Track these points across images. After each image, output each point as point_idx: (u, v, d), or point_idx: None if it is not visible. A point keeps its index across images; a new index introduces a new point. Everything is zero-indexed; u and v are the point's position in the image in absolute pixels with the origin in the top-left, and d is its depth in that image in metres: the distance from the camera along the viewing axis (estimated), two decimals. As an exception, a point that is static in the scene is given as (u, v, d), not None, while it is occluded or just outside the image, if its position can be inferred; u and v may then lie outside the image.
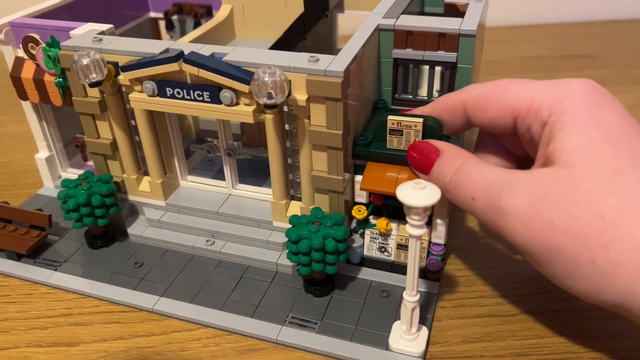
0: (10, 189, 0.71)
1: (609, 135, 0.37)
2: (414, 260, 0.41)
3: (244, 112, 0.47)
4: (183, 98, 0.49)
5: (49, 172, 0.67)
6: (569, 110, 0.39)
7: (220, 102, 0.48)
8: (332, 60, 0.46)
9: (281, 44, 0.63)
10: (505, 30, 1.17)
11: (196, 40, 0.65)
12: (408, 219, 0.40)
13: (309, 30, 0.64)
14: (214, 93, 0.48)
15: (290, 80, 0.45)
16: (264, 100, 0.44)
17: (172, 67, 0.47)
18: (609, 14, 1.20)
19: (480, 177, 0.40)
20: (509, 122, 0.43)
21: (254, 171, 0.61)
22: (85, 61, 0.48)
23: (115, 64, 0.51)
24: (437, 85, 0.56)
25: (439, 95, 0.56)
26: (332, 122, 0.47)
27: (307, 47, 0.65)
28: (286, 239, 0.53)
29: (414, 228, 0.40)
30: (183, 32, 0.79)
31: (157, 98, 0.50)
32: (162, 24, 0.82)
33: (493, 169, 0.41)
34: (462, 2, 0.62)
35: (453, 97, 0.47)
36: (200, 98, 0.48)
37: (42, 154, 0.67)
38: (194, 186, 0.60)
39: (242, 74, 0.46)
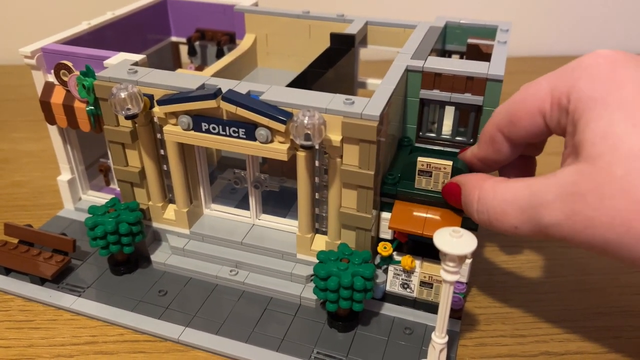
0: (29, 209, 0.71)
1: (628, 111, 0.34)
2: (445, 305, 0.42)
3: (278, 150, 0.48)
4: (218, 133, 0.50)
5: (70, 195, 0.68)
6: (583, 95, 0.37)
7: (255, 139, 0.49)
8: (367, 104, 0.47)
9: (305, 76, 0.65)
10: (510, 61, 1.19)
11: (221, 71, 0.66)
12: (443, 265, 0.41)
13: (334, 65, 0.65)
14: (249, 130, 0.49)
15: (325, 122, 0.46)
16: (301, 142, 0.45)
17: (210, 103, 0.48)
18: (625, 46, 1.23)
19: (509, 205, 0.40)
20: (541, 125, 0.41)
21: (277, 200, 0.62)
22: (123, 94, 0.49)
23: (151, 97, 0.52)
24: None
25: (464, 136, 0.57)
26: (365, 162, 0.48)
27: (329, 80, 0.66)
28: (310, 272, 0.55)
29: (448, 274, 0.41)
30: (204, 58, 0.80)
31: (192, 132, 0.51)
32: (183, 49, 0.83)
33: (514, 189, 0.40)
34: (485, 43, 0.63)
35: (487, 127, 0.46)
36: (236, 134, 0.49)
37: (64, 176, 0.67)
38: (218, 215, 0.61)
39: (279, 114, 0.47)
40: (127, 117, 0.50)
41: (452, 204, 0.48)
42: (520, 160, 0.48)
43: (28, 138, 0.88)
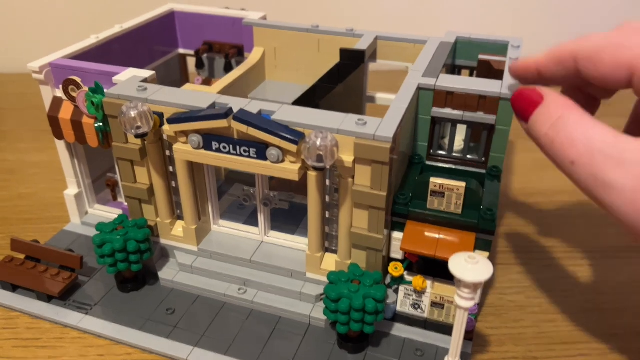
0: (35, 223, 0.71)
1: None
2: (459, 330, 0.42)
3: (289, 170, 0.48)
4: (229, 152, 0.49)
5: (76, 209, 0.67)
6: None
7: (266, 159, 0.48)
8: (380, 124, 0.46)
9: (314, 91, 0.64)
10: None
11: (230, 85, 0.66)
12: (458, 291, 0.40)
13: (343, 80, 0.65)
14: (260, 150, 0.48)
15: (338, 144, 0.46)
16: (313, 164, 0.45)
17: (221, 123, 0.48)
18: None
19: (583, 138, 0.36)
20: (623, 79, 0.38)
21: (286, 216, 0.62)
22: (133, 113, 0.48)
23: (161, 115, 0.51)
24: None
25: (476, 154, 0.56)
26: (377, 183, 0.47)
27: (338, 94, 0.66)
28: (319, 292, 0.54)
29: (463, 300, 0.40)
30: (212, 71, 0.80)
31: (202, 151, 0.50)
32: (190, 61, 0.83)
33: (600, 129, 0.36)
34: (496, 60, 0.63)
35: (567, 46, 0.42)
36: (247, 154, 0.49)
37: (71, 190, 0.67)
38: (226, 231, 0.61)
39: (291, 134, 0.46)
40: (137, 136, 0.49)
41: (516, 109, 0.42)
42: (583, 98, 0.45)
43: (34, 148, 0.88)
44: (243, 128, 0.47)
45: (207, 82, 0.80)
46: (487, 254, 0.50)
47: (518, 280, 0.61)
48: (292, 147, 0.46)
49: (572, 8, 1.18)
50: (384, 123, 0.47)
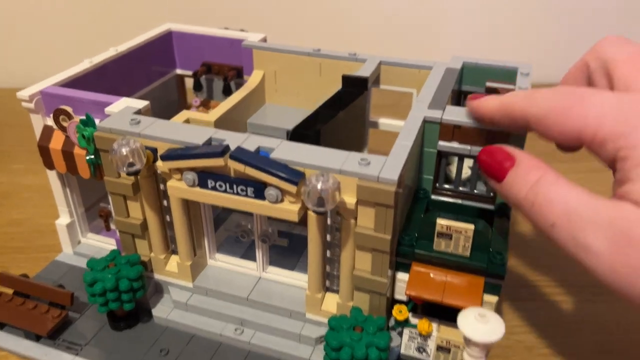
0: (27, 252, 0.68)
1: None
2: (468, 388, 0.39)
3: (288, 211, 0.46)
4: (225, 191, 0.47)
5: (68, 238, 0.65)
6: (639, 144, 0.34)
7: (264, 199, 0.46)
8: (384, 165, 0.44)
9: (315, 117, 0.62)
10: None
11: (229, 111, 0.63)
12: (467, 349, 0.38)
13: (345, 107, 0.62)
14: (258, 189, 0.46)
15: (340, 186, 0.43)
16: (313, 208, 0.42)
17: (217, 161, 0.45)
18: None
19: (561, 200, 0.36)
20: (575, 144, 0.38)
21: (285, 248, 0.59)
22: (125, 151, 0.46)
23: (154, 150, 0.49)
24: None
25: (484, 190, 0.54)
26: (381, 226, 0.45)
27: (340, 120, 0.64)
28: (320, 334, 0.52)
29: (472, 359, 0.38)
30: (210, 93, 0.78)
31: (197, 189, 0.48)
32: (188, 81, 0.81)
33: (575, 191, 0.36)
34: (504, 87, 0.60)
35: (517, 104, 0.41)
36: (244, 193, 0.46)
37: (63, 220, 0.65)
38: (223, 266, 0.58)
39: (290, 175, 0.44)
40: (129, 174, 0.47)
41: (485, 170, 0.42)
42: None
43: (28, 170, 0.86)
44: (240, 167, 0.45)
45: (206, 103, 0.78)
46: (496, 298, 0.48)
47: (526, 318, 0.59)
48: (292, 188, 0.44)
49: (581, 31, 1.15)
50: (388, 163, 0.44)
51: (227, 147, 0.45)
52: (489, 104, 0.45)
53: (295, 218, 0.46)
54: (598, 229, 0.34)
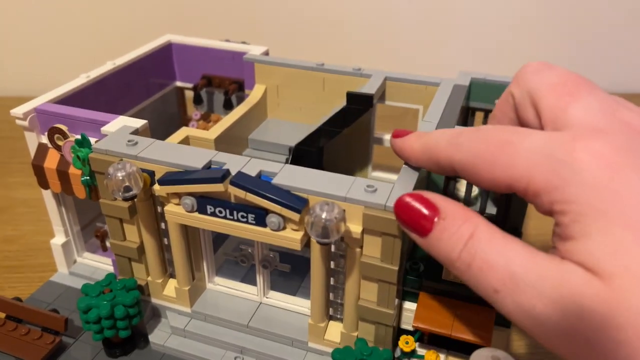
0: (21, 271, 0.66)
1: (637, 232, 0.28)
2: None
3: (291, 239, 0.44)
4: (225, 217, 0.45)
5: (64, 258, 0.63)
6: (577, 199, 0.30)
7: (266, 226, 0.44)
8: (391, 192, 0.42)
9: (318, 134, 0.60)
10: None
11: (232, 127, 0.62)
12: (479, 392, 0.36)
13: (349, 124, 0.61)
14: (259, 216, 0.44)
15: (345, 216, 0.41)
16: (317, 238, 0.40)
17: (217, 187, 0.43)
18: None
19: (502, 264, 0.32)
20: (508, 191, 0.34)
21: (286, 273, 0.57)
22: (120, 175, 0.44)
23: (151, 173, 0.47)
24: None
25: (494, 213, 0.52)
26: (388, 256, 0.43)
27: (344, 137, 0.62)
28: (323, 364, 0.50)
29: (485, 403, 0.36)
30: (211, 106, 0.76)
31: (196, 214, 0.46)
32: (188, 94, 0.79)
33: (514, 251, 0.32)
34: (514, 106, 0.58)
35: (442, 152, 0.38)
36: (244, 219, 0.44)
37: (58, 239, 0.63)
38: (222, 290, 0.56)
39: (293, 202, 0.42)
40: (125, 199, 0.45)
41: (406, 224, 0.37)
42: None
43: (24, 183, 0.84)
44: (241, 194, 0.43)
45: (206, 117, 0.76)
46: (508, 330, 0.46)
47: (537, 345, 0.57)
48: (295, 216, 0.42)
49: (589, 47, 1.13)
50: (395, 190, 0.42)
51: (227, 172, 0.43)
52: (413, 146, 0.41)
53: (297, 247, 0.44)
54: (546, 299, 0.30)
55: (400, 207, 0.37)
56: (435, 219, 0.35)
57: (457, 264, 0.34)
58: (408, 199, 0.37)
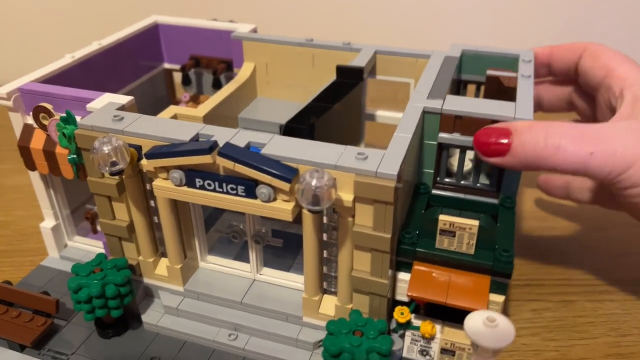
0: (11, 255, 0.66)
1: None
2: (477, 396, 0.37)
3: (282, 210, 0.43)
4: (214, 190, 0.44)
5: (54, 242, 0.62)
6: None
7: (255, 197, 0.43)
8: (382, 159, 0.41)
9: (309, 111, 0.59)
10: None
11: (219, 106, 0.61)
12: (475, 355, 0.35)
13: (340, 99, 0.60)
14: (249, 188, 0.43)
15: (336, 183, 0.41)
16: (307, 206, 0.40)
17: (205, 159, 0.43)
18: None
19: (586, 129, 0.42)
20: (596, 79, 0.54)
21: (279, 250, 0.57)
22: (106, 149, 0.43)
23: (138, 148, 0.46)
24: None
25: (487, 181, 0.51)
26: (381, 224, 0.42)
27: (335, 113, 0.61)
28: (318, 338, 0.49)
29: (481, 365, 0.35)
30: (200, 86, 0.75)
31: (185, 188, 0.45)
32: (176, 75, 0.78)
33: (584, 123, 0.43)
34: (506, 75, 0.58)
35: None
36: (234, 192, 0.44)
37: (48, 223, 0.62)
38: (215, 268, 0.56)
39: (283, 171, 0.41)
40: (112, 174, 0.44)
41: (482, 151, 0.46)
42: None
43: (14, 170, 0.83)
44: (229, 165, 0.42)
45: (195, 98, 0.75)
46: (502, 297, 0.45)
47: (533, 320, 0.56)
48: (285, 186, 0.41)
49: (583, 18, 1.12)
50: (386, 157, 0.42)
51: (215, 144, 0.43)
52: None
53: (289, 217, 0.43)
54: (635, 134, 0.42)
55: (480, 137, 0.45)
56: (509, 136, 0.44)
57: (547, 152, 0.42)
58: (484, 130, 0.45)
